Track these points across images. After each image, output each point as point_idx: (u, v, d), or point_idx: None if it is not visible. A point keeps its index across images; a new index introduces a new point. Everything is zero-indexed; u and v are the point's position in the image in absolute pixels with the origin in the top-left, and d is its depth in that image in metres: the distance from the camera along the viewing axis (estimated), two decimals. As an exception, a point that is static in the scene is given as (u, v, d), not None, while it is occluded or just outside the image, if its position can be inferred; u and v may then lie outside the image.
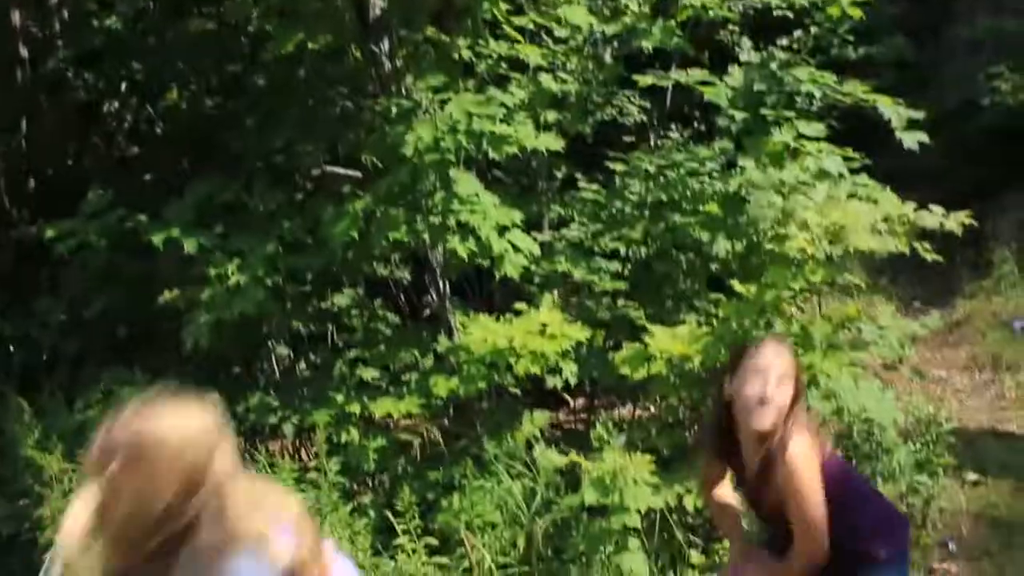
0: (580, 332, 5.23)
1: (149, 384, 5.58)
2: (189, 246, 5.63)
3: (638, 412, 6.36)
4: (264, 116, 6.85)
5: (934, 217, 5.44)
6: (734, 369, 3.27)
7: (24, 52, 8.95)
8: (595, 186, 6.93)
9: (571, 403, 6.90)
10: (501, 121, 5.49)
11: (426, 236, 5.54)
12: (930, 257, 5.48)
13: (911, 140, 5.57)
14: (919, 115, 5.60)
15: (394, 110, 5.69)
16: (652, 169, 6.25)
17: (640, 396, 6.22)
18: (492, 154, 5.47)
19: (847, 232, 5.25)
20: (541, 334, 5.18)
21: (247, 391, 6.04)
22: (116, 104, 9.07)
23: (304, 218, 6.11)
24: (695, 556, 4.93)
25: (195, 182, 6.20)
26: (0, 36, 8.87)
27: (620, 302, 6.04)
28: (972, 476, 6.00)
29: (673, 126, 9.23)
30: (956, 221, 5.41)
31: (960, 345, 8.56)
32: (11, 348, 7.43)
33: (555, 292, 6.07)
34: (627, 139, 8.68)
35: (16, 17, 8.93)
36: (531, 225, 6.04)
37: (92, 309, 6.50)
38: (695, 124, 9.28)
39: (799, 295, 5.71)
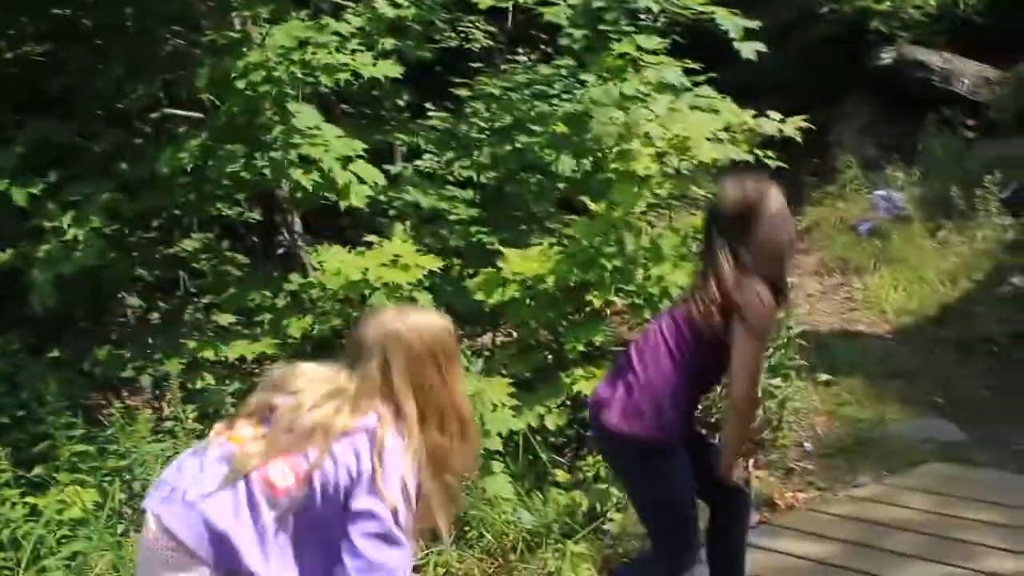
0: (433, 261, 5.19)
1: (-8, 344, 5.43)
2: (19, 197, 5.36)
3: (498, 339, 6.36)
4: (93, 57, 6.56)
5: (772, 123, 5.54)
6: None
7: None
8: (443, 114, 6.86)
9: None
10: (337, 50, 5.36)
11: (267, 171, 5.40)
12: (774, 164, 5.56)
13: (749, 50, 5.63)
14: (755, 25, 5.65)
15: (223, 42, 5.51)
16: (498, 92, 6.20)
17: (499, 323, 6.22)
18: (325, 82, 5.34)
19: (691, 143, 5.30)
20: (394, 264, 5.11)
21: (97, 344, 5.84)
22: (-64, 54, 8.59)
23: (144, 162, 5.88)
24: (560, 474, 4.97)
25: (24, 128, 5.92)
26: None
27: (474, 229, 6.00)
28: (824, 376, 6.20)
29: (520, 49, 9.18)
30: (793, 125, 5.52)
31: (809, 251, 8.79)
32: None
33: (407, 223, 6.00)
34: (475, 65, 8.61)
35: None
36: (381, 156, 5.95)
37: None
38: (541, 47, 9.23)
39: (649, 210, 5.76)
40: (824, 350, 6.49)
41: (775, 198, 3.20)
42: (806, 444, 5.51)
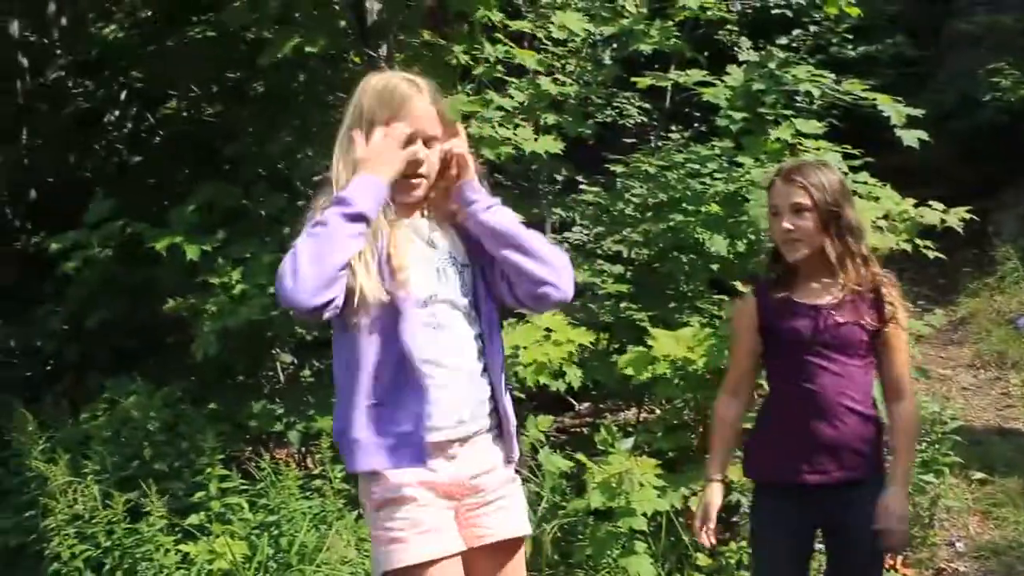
0: (586, 336, 5.23)
1: (152, 393, 5.65)
2: (191, 252, 5.61)
3: (643, 415, 6.35)
4: (263, 123, 6.85)
5: (935, 213, 5.45)
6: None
7: (24, 61, 8.97)
8: (596, 188, 6.92)
9: (575, 407, 6.90)
10: (499, 124, 5.49)
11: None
12: (932, 255, 5.47)
13: (911, 138, 5.56)
14: (918, 112, 5.59)
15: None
16: (652, 170, 6.24)
17: (644, 399, 6.20)
18: (489, 156, 5.46)
19: (849, 230, 5.24)
20: (546, 339, 5.16)
21: (251, 398, 6.02)
22: (116, 112, 9.07)
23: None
24: (702, 559, 4.91)
25: (196, 189, 6.20)
26: (-1, 46, 8.89)
27: (623, 304, 6.02)
28: (978, 475, 6.00)
29: (673, 127, 9.24)
30: (957, 217, 5.42)
31: (964, 343, 8.55)
32: (15, 359, 7.43)
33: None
34: (628, 141, 8.69)
35: (15, 27, 8.94)
36: (534, 229, 6.02)
37: (94, 318, 6.50)
38: (695, 124, 9.28)
39: (802, 295, 5.69)
40: (979, 447, 6.29)
41: None
42: (958, 544, 5.33)
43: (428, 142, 2.79)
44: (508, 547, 2.89)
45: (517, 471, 2.97)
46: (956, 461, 5.49)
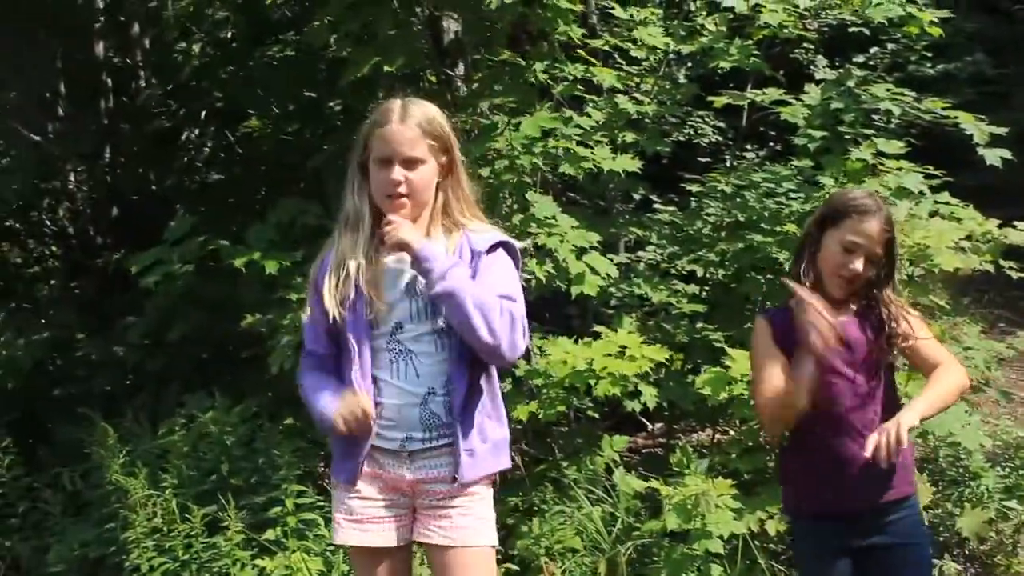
0: (660, 354, 5.20)
1: (230, 409, 5.71)
2: (270, 267, 5.67)
3: (717, 436, 6.29)
4: (342, 141, 6.90)
5: (1019, 234, 5.36)
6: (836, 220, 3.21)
7: (108, 81, 9.17)
8: (671, 207, 6.89)
9: (649, 427, 6.85)
10: (578, 143, 5.50)
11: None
12: (1016, 276, 5.38)
13: (994, 156, 5.47)
14: (1002, 130, 5.50)
15: (467, 128, 5.71)
16: (729, 190, 6.20)
17: (719, 419, 6.15)
18: (569, 172, 5.47)
19: (931, 251, 5.18)
20: (620, 356, 5.15)
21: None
22: (196, 131, 9.23)
23: (383, 241, 6.13)
24: (778, 582, 4.86)
25: (275, 206, 6.27)
26: (84, 66, 9.09)
27: (698, 324, 5.98)
28: (1063, 501, 5.86)
29: (748, 146, 9.17)
30: (1041, 237, 5.33)
31: (1048, 367, 8.36)
32: (94, 372, 7.56)
33: (633, 315, 6.04)
34: (703, 160, 8.64)
35: (100, 48, 9.15)
36: (607, 247, 6.02)
37: (174, 332, 6.59)
38: (770, 144, 9.20)
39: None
40: (1064, 474, 6.13)
41: None
42: (1042, 572, 5.22)
43: (409, 164, 3.00)
44: (459, 553, 3.09)
45: (493, 484, 3.20)
46: (1041, 488, 5.37)
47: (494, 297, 2.95)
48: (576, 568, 4.90)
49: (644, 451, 6.76)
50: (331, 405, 3.02)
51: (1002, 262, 5.39)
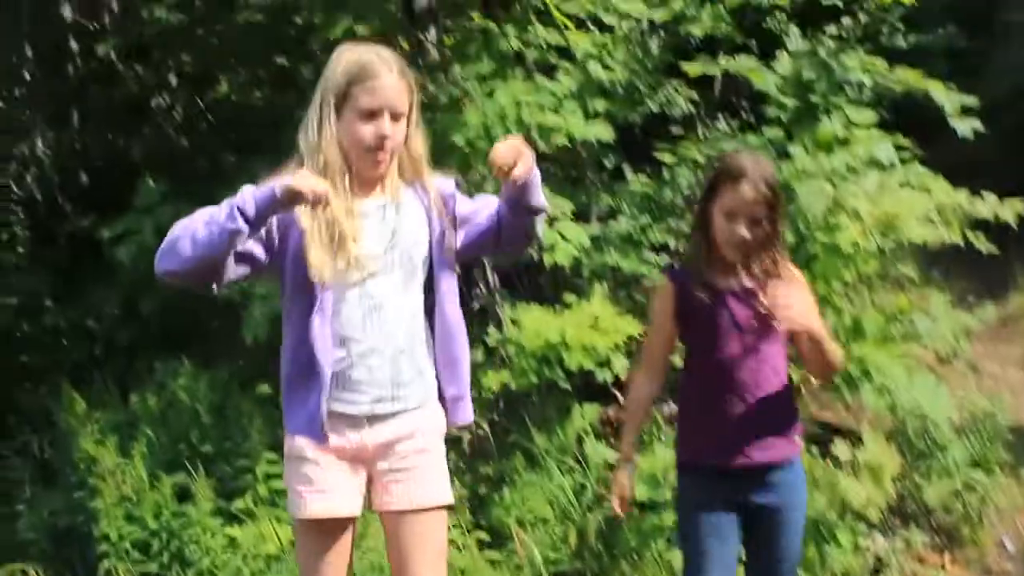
0: (632, 326, 5.20)
1: (200, 376, 5.68)
2: (241, 234, 5.62)
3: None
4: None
5: (988, 206, 5.38)
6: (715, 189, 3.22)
7: (74, 45, 9.03)
8: (644, 177, 6.88)
9: (620, 398, 6.86)
10: (550, 110, 5.47)
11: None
12: (985, 248, 5.40)
13: (965, 127, 5.50)
14: (972, 101, 5.51)
15: (443, 99, 5.67)
16: (701, 159, 6.19)
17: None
18: (542, 144, 5.45)
19: (900, 222, 5.19)
20: (593, 327, 5.15)
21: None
22: (165, 96, 9.12)
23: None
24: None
25: (245, 172, 6.21)
26: (51, 29, 8.95)
27: (670, 295, 5.97)
28: (1030, 474, 5.92)
29: (721, 116, 9.14)
30: (1011, 210, 5.35)
31: (1015, 340, 8.41)
32: (64, 340, 7.49)
33: (604, 285, 6.03)
34: (675, 129, 8.61)
35: (67, 10, 9.01)
36: (578, 216, 6.00)
37: (146, 303, 6.54)
38: (743, 114, 9.18)
39: (850, 287, 5.65)
40: (1029, 446, 6.20)
41: None
42: (1008, 544, 5.27)
43: (396, 117, 2.92)
44: (421, 516, 3.04)
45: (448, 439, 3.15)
46: (1006, 460, 5.43)
47: None
48: (546, 537, 4.92)
49: (616, 422, 6.77)
50: (259, 186, 2.79)
51: (970, 234, 5.40)
